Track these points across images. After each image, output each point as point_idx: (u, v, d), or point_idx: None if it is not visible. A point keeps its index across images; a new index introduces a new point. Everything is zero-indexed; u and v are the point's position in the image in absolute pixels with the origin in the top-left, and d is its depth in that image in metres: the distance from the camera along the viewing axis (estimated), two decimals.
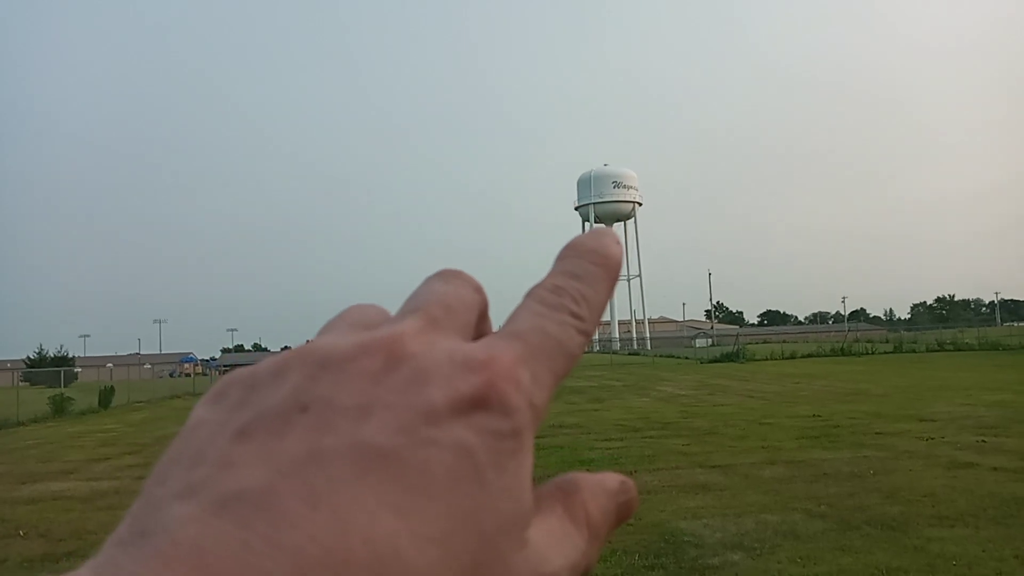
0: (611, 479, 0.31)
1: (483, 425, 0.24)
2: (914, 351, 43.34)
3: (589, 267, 0.31)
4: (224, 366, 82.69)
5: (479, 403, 0.25)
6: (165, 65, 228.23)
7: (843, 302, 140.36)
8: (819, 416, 14.05)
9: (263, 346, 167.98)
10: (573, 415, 16.55)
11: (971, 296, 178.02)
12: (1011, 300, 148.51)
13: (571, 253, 0.32)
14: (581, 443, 11.69)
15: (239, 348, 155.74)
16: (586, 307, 0.30)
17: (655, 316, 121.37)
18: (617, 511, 0.30)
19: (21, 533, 7.42)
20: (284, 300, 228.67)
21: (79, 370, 43.88)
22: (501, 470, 0.24)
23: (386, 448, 0.23)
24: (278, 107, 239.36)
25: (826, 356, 43.04)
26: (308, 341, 0.25)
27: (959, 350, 42.14)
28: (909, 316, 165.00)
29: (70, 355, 65.65)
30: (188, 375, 61.00)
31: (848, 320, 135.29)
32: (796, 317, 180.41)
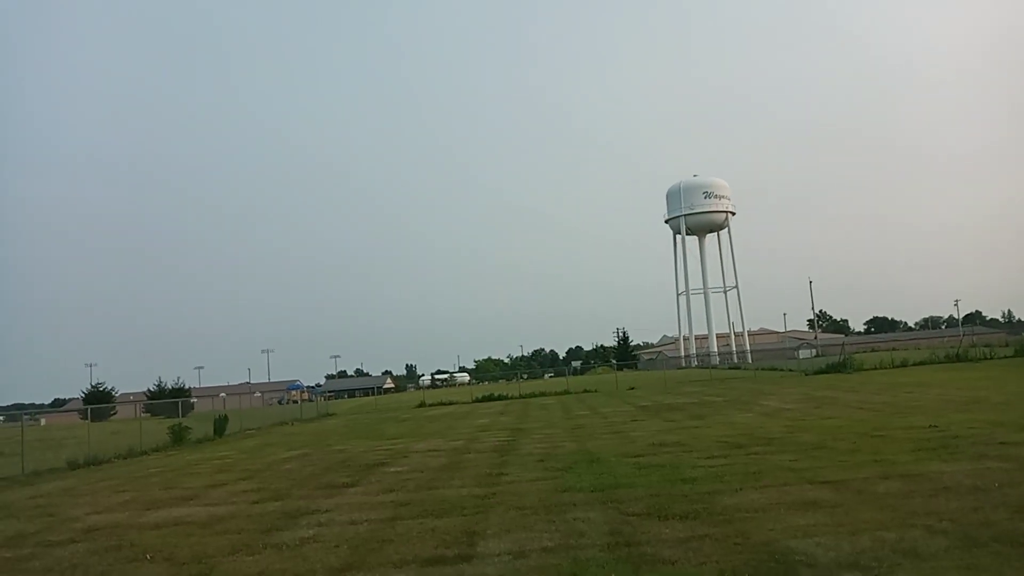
0: None
1: None
2: None
3: None
4: (328, 392, 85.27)
5: None
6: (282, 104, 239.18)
7: (956, 305, 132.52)
8: (936, 427, 13.35)
9: (365, 371, 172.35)
10: (673, 433, 16.28)
11: None
12: None
13: None
14: (683, 461, 11.47)
15: (342, 374, 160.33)
16: None
17: (754, 328, 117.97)
18: None
19: (148, 557, 7.85)
20: (383, 326, 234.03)
21: (195, 400, 46.06)
22: None
23: None
24: (373, 139, 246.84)
25: (940, 363, 40.86)
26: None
27: None
28: None
29: (186, 386, 68.95)
30: (295, 402, 63.04)
31: (963, 324, 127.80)
32: (905, 323, 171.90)
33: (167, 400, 47.03)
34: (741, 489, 8.92)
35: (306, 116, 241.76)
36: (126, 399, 71.05)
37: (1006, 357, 40.82)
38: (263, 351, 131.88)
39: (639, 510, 8.19)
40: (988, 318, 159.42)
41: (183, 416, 30.54)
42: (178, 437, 25.55)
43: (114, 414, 57.89)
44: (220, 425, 28.86)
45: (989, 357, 41.19)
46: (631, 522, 7.64)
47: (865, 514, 7.20)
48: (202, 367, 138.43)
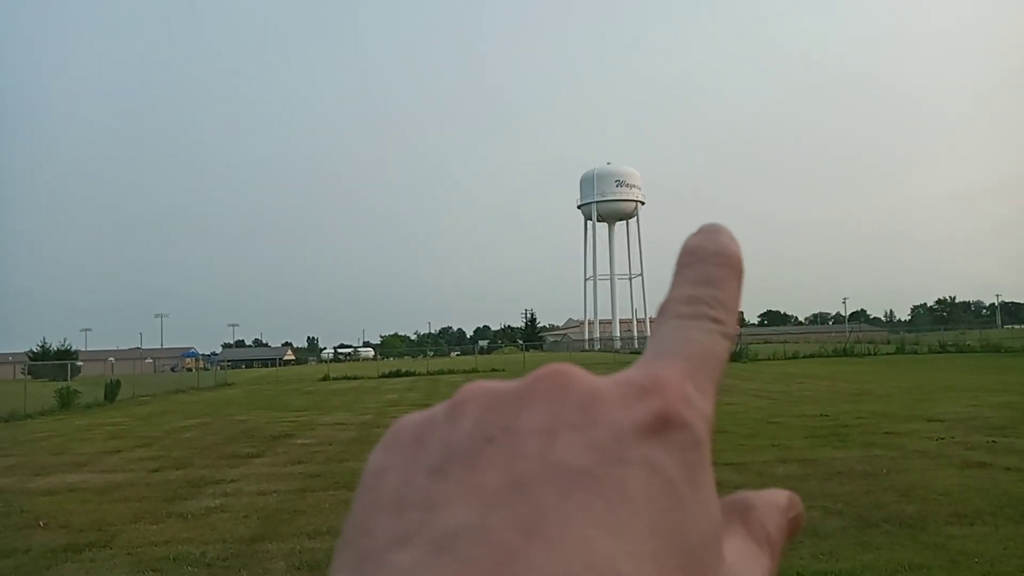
0: (780, 495, 0.31)
1: (668, 442, 0.24)
2: (916, 352, 43.38)
3: (715, 271, 0.32)
4: (225, 361, 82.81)
5: (660, 424, 0.25)
6: (170, 60, 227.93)
7: (844, 303, 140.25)
8: (826, 415, 14.09)
9: (264, 341, 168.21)
10: None
11: (972, 298, 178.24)
12: (1011, 303, 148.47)
13: (693, 259, 0.32)
14: None
15: (240, 343, 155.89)
16: (723, 310, 0.31)
17: (656, 315, 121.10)
18: (789, 526, 0.31)
19: (42, 524, 7.47)
20: (285, 296, 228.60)
21: (82, 364, 43.84)
22: (694, 485, 0.24)
23: (581, 467, 0.23)
24: (279, 105, 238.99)
25: (828, 356, 43.09)
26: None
27: (961, 352, 42.17)
28: (910, 317, 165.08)
29: (73, 348, 65.66)
30: (190, 370, 61.05)
31: (849, 321, 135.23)
32: (796, 318, 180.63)
33: (53, 362, 44.63)
34: None
35: (201, 75, 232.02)
36: (5, 359, 67.11)
37: (888, 354, 43.40)
38: (156, 316, 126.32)
39: None
40: (872, 316, 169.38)
41: (70, 379, 29.06)
42: (66, 401, 24.32)
43: None
44: (112, 390, 27.62)
45: (873, 353, 43.71)
46: None
47: None
48: (89, 329, 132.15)
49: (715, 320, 0.30)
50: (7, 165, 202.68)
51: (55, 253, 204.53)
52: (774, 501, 0.31)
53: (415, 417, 0.29)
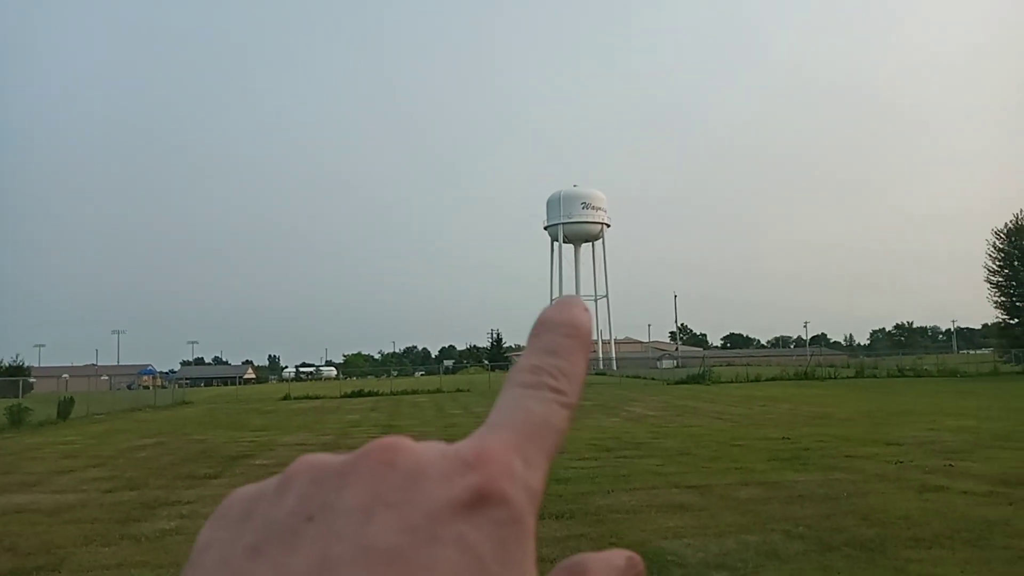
0: (617, 556, 0.31)
1: (484, 518, 0.25)
2: (875, 376, 44.14)
3: (562, 340, 0.32)
4: (184, 379, 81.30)
5: (477, 500, 0.25)
6: (144, 73, 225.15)
7: (805, 327, 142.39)
8: (788, 438, 14.22)
9: (224, 359, 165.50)
10: None
11: (928, 323, 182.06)
12: (967, 328, 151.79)
13: (543, 329, 0.33)
14: (556, 462, 11.44)
15: (199, 361, 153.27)
16: (565, 381, 0.31)
17: (620, 336, 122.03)
18: None
19: None
20: (245, 313, 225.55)
21: (34, 380, 42.69)
22: (506, 562, 0.24)
23: (392, 548, 0.23)
24: (240, 120, 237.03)
25: (790, 380, 43.64)
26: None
27: (919, 376, 43.01)
28: (868, 342, 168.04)
29: (25, 364, 63.92)
30: (147, 387, 59.70)
31: (809, 344, 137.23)
32: (759, 340, 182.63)
33: (3, 379, 43.40)
34: (612, 491, 9.18)
35: (157, 89, 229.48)
36: None
37: (848, 377, 44.08)
38: (113, 332, 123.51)
39: None
40: (832, 340, 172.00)
41: (22, 396, 28.26)
42: (16, 419, 23.63)
43: None
44: (65, 408, 26.91)
45: (833, 376, 44.37)
46: None
47: (729, 518, 7.57)
48: (43, 345, 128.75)
49: (555, 390, 0.30)
50: None
51: (7, 265, 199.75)
52: (610, 563, 0.30)
53: (248, 490, 0.29)
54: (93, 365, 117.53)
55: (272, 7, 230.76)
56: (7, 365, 60.33)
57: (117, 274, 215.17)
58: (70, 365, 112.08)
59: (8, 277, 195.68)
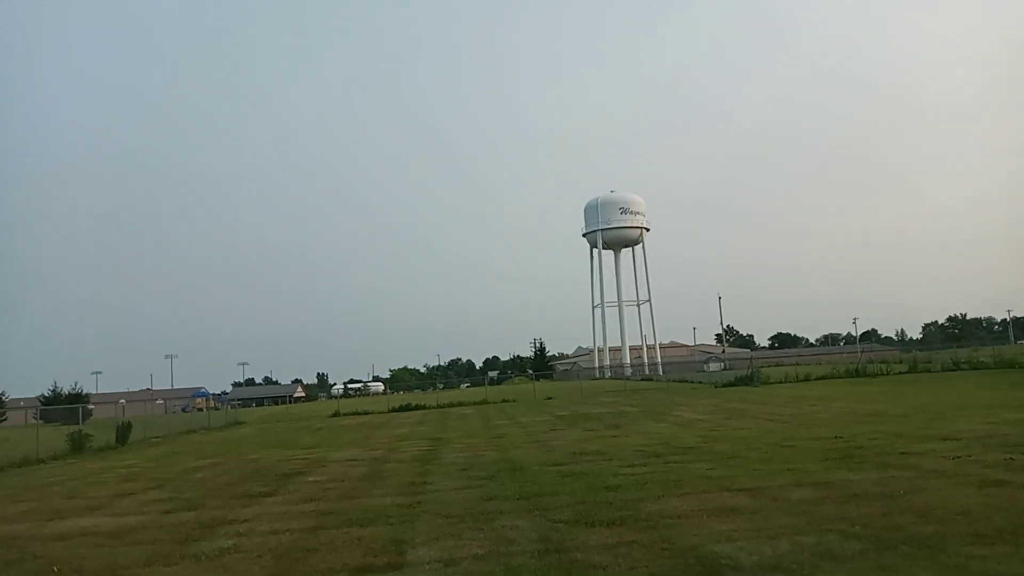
0: None
1: None
2: (929, 371, 43.04)
3: None
4: (236, 400, 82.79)
5: None
6: (184, 98, 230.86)
7: (854, 323, 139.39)
8: (841, 437, 13.98)
9: (273, 379, 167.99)
10: (593, 442, 16.52)
11: (983, 315, 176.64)
12: (1023, 317, 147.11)
13: None
14: (605, 469, 11.65)
15: (250, 381, 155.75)
16: None
17: (665, 341, 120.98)
18: None
19: (55, 569, 7.44)
20: (293, 333, 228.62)
21: (93, 407, 43.85)
22: None
23: None
24: (282, 151, 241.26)
25: (840, 378, 42.80)
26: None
27: (975, 369, 41.80)
28: (921, 336, 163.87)
29: (84, 392, 65.64)
30: (200, 409, 60.98)
31: (860, 341, 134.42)
32: (807, 339, 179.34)
33: (64, 406, 44.65)
34: (663, 496, 9.13)
35: (198, 116, 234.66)
36: (16, 405, 67.18)
37: (901, 373, 43.07)
38: (167, 356, 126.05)
39: (566, 517, 8.28)
40: (883, 336, 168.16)
41: (82, 423, 29.05)
42: (78, 445, 24.34)
43: (4, 420, 54.69)
44: (123, 432, 27.62)
45: (885, 373, 43.38)
46: (559, 529, 7.72)
47: (782, 520, 7.48)
48: (100, 372, 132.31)
49: None
50: (15, 211, 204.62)
51: (65, 297, 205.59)
52: None
53: None
54: (148, 390, 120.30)
55: (295, 36, 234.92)
56: (67, 393, 61.98)
57: (169, 300, 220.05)
58: (126, 391, 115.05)
59: (66, 307, 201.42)
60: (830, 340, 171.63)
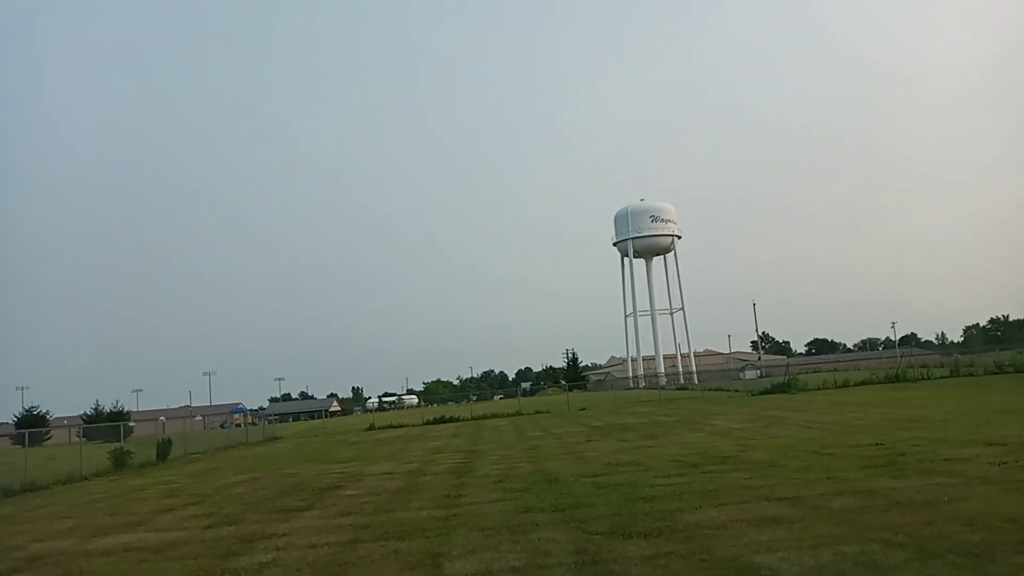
0: None
1: None
2: (971, 375, 42.13)
3: None
4: (272, 415, 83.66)
5: None
6: (218, 114, 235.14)
7: (893, 327, 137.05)
8: (882, 444, 13.73)
9: (309, 393, 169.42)
10: (628, 452, 16.40)
11: None
12: None
13: None
14: (641, 480, 11.56)
15: (286, 396, 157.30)
16: None
17: (700, 349, 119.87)
18: None
19: None
20: (328, 348, 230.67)
21: (133, 424, 44.59)
22: None
23: None
24: (320, 157, 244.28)
25: (880, 383, 42.05)
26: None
27: (1019, 372, 40.79)
28: (962, 339, 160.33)
29: (125, 410, 66.80)
30: (238, 425, 61.71)
31: (899, 345, 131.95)
32: (844, 345, 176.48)
33: (106, 424, 45.44)
34: (700, 507, 9.03)
35: (245, 136, 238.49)
36: (60, 423, 68.52)
37: (942, 377, 42.20)
38: (205, 373, 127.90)
39: (602, 529, 8.23)
40: (923, 340, 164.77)
41: (123, 440, 29.56)
42: (120, 462, 24.77)
43: (49, 439, 55.82)
44: (163, 449, 28.06)
45: (926, 377, 42.52)
46: (595, 541, 7.68)
47: (823, 529, 7.36)
48: (140, 390, 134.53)
49: None
50: (56, 234, 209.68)
51: (106, 318, 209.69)
52: None
53: None
54: (187, 406, 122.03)
55: (310, 52, 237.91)
56: (108, 411, 63.12)
57: (206, 319, 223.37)
58: (166, 408, 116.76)
59: (106, 327, 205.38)
60: (868, 345, 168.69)
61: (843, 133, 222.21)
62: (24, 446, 28.94)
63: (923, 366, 51.02)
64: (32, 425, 56.22)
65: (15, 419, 67.10)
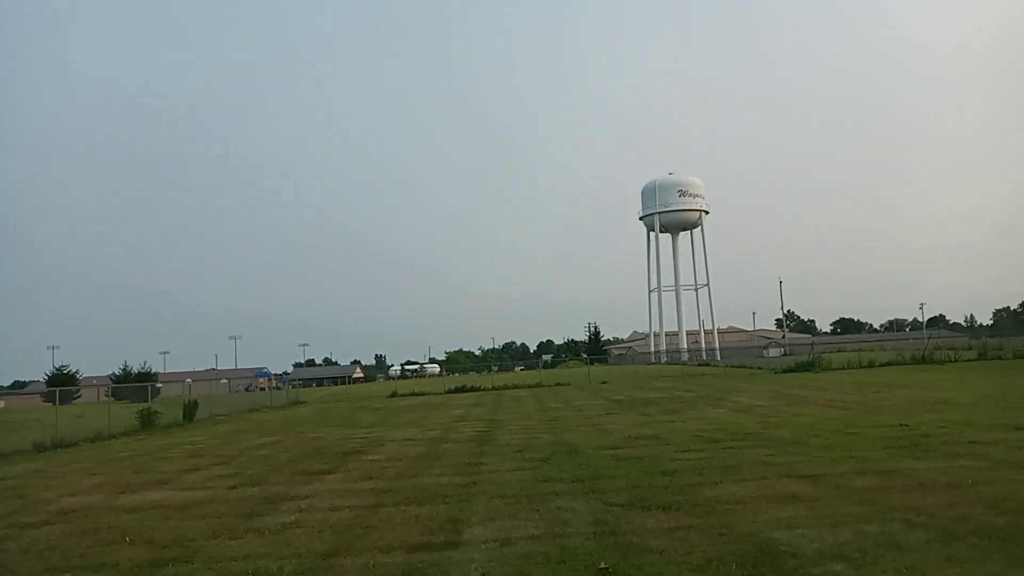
0: None
1: None
2: (1000, 358, 41.56)
3: None
4: (297, 380, 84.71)
5: None
6: (242, 98, 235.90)
7: (921, 308, 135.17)
8: (906, 425, 13.61)
9: (333, 360, 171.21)
10: (648, 426, 16.41)
11: None
12: None
13: None
14: (661, 454, 11.57)
15: (311, 362, 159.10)
16: None
17: (723, 326, 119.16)
18: None
19: (127, 540, 7.75)
20: (353, 315, 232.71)
21: (160, 385, 45.35)
22: None
23: None
24: (348, 125, 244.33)
25: (906, 364, 41.63)
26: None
27: None
28: (992, 322, 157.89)
29: (152, 371, 67.92)
30: (263, 389, 62.52)
31: (927, 327, 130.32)
32: (871, 325, 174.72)
33: (134, 384, 46.29)
34: (720, 482, 9.02)
35: (273, 104, 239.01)
36: (89, 383, 69.89)
37: (970, 360, 41.67)
38: (230, 337, 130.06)
39: (621, 500, 8.26)
40: (951, 322, 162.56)
41: (151, 401, 30.10)
42: (147, 422, 25.24)
43: (78, 397, 56.91)
44: (190, 410, 28.53)
45: (953, 360, 42.03)
46: (614, 512, 7.71)
47: (844, 507, 7.33)
48: (168, 352, 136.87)
49: None
50: (89, 200, 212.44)
51: (135, 281, 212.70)
52: None
53: None
54: (213, 369, 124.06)
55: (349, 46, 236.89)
56: (136, 372, 64.22)
57: (233, 283, 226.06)
58: (192, 370, 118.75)
59: (136, 290, 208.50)
60: (895, 326, 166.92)
61: (875, 108, 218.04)
62: (55, 404, 29.53)
63: (951, 348, 50.37)
64: (62, 384, 57.44)
65: (46, 377, 68.61)
